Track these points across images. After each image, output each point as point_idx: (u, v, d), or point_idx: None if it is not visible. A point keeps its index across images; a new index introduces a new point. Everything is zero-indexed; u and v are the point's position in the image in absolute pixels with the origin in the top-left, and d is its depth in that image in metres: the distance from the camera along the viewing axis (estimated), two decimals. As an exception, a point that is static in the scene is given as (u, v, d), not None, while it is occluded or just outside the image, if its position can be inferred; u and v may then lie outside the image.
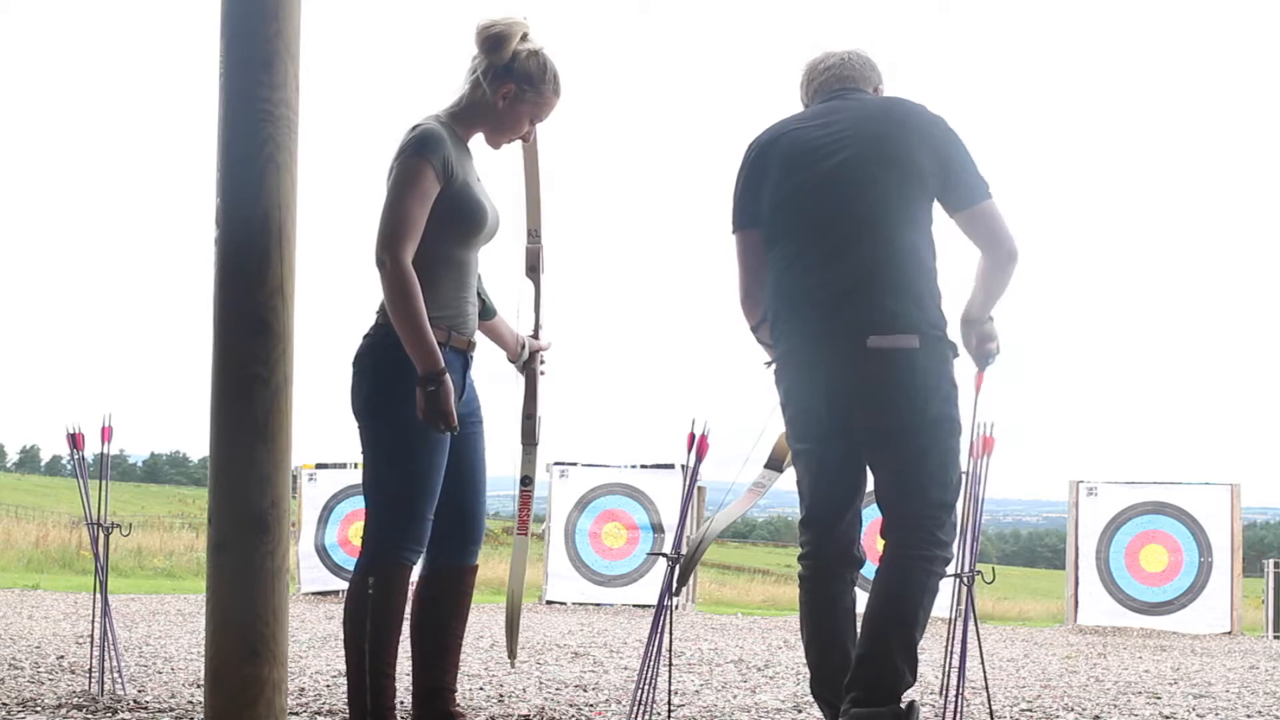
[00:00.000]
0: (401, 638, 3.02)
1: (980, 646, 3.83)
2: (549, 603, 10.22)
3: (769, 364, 3.26)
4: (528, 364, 3.38)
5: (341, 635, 3.00)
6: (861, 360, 3.00)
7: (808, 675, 3.26)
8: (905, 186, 3.07)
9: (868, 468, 3.17)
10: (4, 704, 3.96)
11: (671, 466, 10.22)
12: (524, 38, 3.07)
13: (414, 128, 2.98)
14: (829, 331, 3.04)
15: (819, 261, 3.09)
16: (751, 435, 3.56)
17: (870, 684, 2.97)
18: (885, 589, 3.05)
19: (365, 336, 3.05)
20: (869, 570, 3.20)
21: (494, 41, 3.04)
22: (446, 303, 3.01)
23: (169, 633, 6.95)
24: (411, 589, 3.09)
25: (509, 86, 3.06)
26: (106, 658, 4.31)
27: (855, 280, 3.04)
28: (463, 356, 3.07)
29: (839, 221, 3.09)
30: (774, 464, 3.44)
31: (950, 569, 3.19)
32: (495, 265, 3.16)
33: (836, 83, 3.31)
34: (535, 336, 3.38)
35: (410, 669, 3.18)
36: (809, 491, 3.19)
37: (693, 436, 3.66)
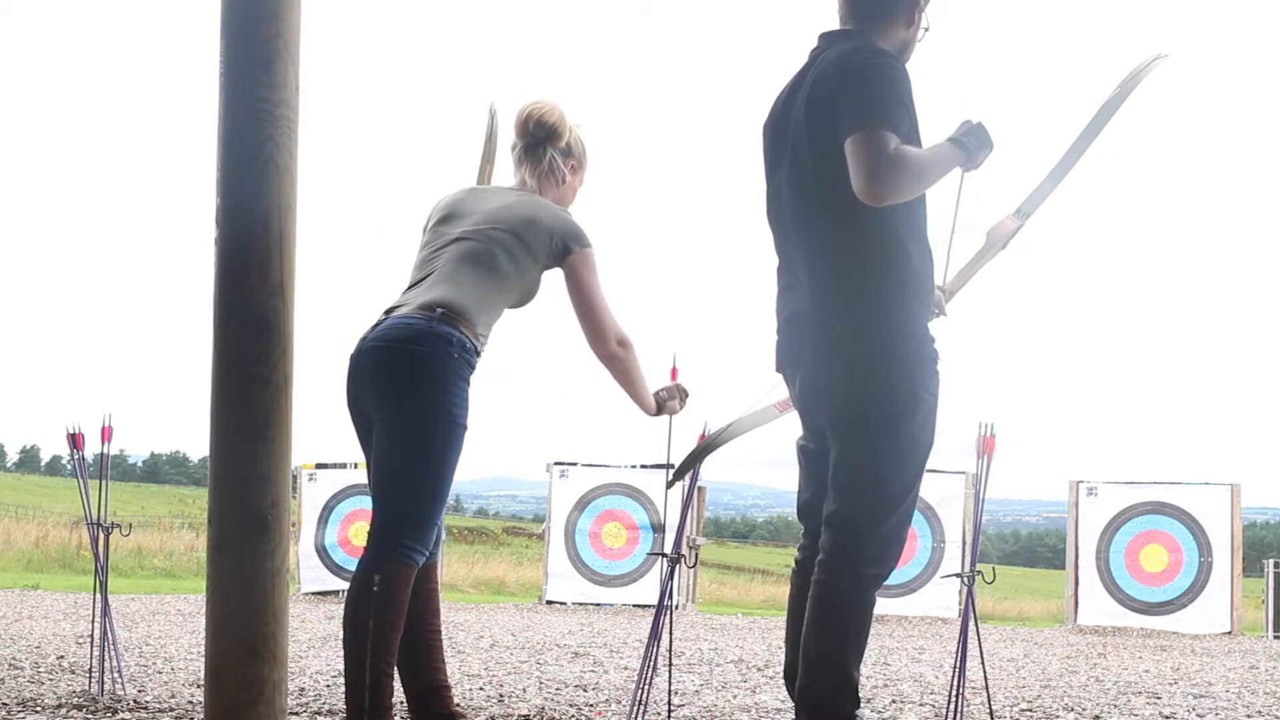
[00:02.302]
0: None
1: (980, 646, 3.83)
2: (549, 603, 10.22)
3: None
4: None
5: (341, 634, 2.99)
6: (818, 363, 2.89)
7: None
8: (839, 183, 2.75)
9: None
10: (4, 704, 3.96)
11: (672, 466, 10.22)
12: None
13: (567, 214, 3.24)
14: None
15: (781, 287, 3.02)
16: (754, 436, 3.55)
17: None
18: (809, 614, 2.84)
19: (409, 322, 2.99)
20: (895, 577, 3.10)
21: (555, 128, 3.28)
22: (489, 322, 3.13)
23: (169, 633, 6.95)
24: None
25: (571, 162, 3.33)
26: (106, 658, 4.31)
27: (796, 311, 2.93)
28: (474, 369, 3.13)
29: (788, 248, 2.96)
30: None
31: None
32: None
33: (840, 16, 2.97)
34: None
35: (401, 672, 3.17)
36: (800, 484, 3.15)
37: (704, 437, 3.66)
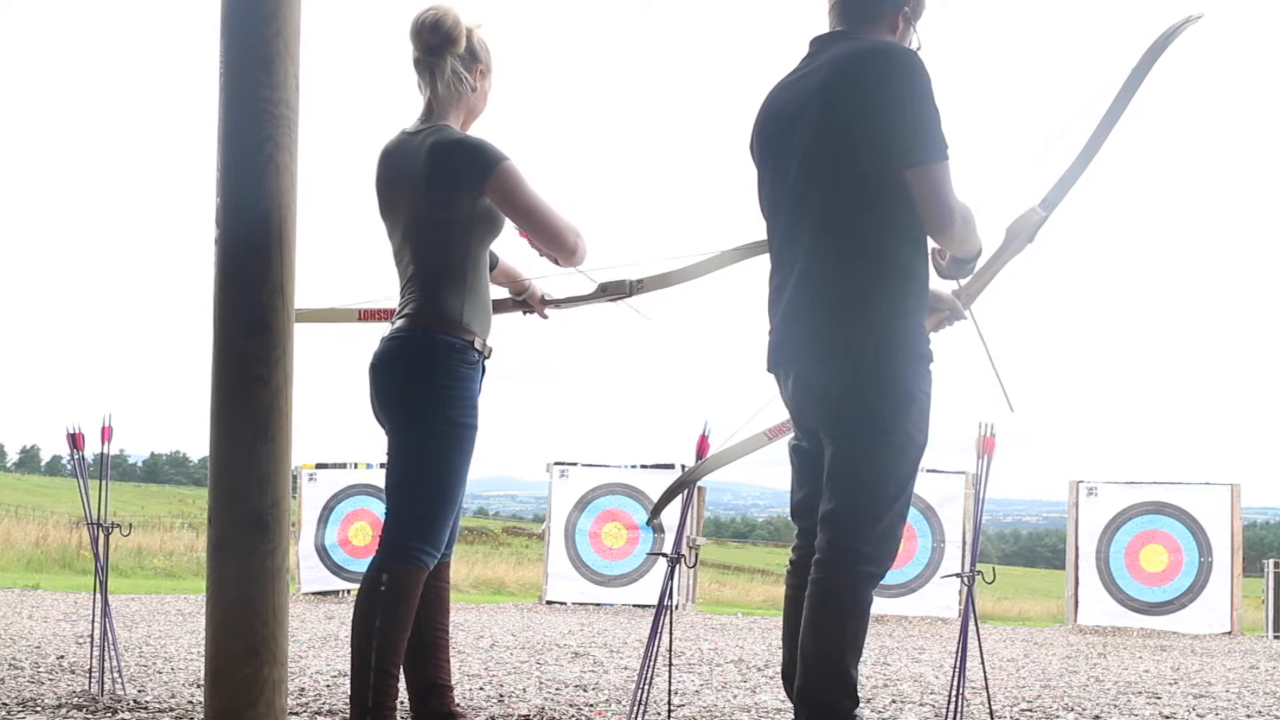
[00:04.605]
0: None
1: (980, 646, 3.83)
2: (549, 603, 10.22)
3: None
4: (521, 301, 3.52)
5: (342, 634, 3.00)
6: (811, 362, 2.89)
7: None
8: (844, 189, 2.80)
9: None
10: (4, 704, 3.96)
11: (671, 466, 10.23)
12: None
13: (465, 137, 3.06)
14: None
15: (774, 286, 3.01)
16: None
17: None
18: (806, 614, 2.82)
19: (390, 339, 3.07)
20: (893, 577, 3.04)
21: (453, 33, 3.10)
22: (482, 310, 3.10)
23: (169, 633, 6.95)
24: None
25: (479, 67, 3.17)
26: (106, 658, 4.31)
27: (789, 310, 2.92)
28: (483, 364, 3.14)
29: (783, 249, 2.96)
30: None
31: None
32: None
33: (830, 20, 2.98)
34: (544, 303, 3.53)
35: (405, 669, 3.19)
36: (794, 484, 3.14)
37: (704, 439, 3.66)
